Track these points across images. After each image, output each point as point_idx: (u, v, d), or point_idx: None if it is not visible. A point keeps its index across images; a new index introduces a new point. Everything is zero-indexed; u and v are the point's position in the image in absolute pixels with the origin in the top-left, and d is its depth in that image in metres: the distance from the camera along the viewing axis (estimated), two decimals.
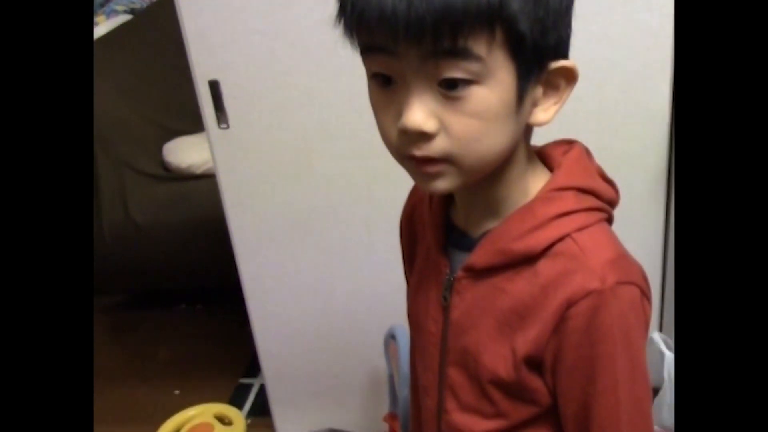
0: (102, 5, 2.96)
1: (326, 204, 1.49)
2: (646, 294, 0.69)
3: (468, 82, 0.61)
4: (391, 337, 1.43)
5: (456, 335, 0.75)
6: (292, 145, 1.44)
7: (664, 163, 1.38)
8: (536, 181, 0.71)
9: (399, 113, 0.63)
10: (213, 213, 1.62)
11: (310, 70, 1.36)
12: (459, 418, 0.77)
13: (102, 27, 2.68)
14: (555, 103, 0.67)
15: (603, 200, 0.71)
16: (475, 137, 0.63)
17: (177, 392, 2.05)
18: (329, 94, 1.38)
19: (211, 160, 1.48)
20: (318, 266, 1.57)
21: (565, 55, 0.66)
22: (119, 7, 2.94)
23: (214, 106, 1.39)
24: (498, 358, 0.71)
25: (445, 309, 0.76)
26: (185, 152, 2.25)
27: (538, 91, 0.66)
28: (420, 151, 0.63)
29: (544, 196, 0.69)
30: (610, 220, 0.73)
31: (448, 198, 0.77)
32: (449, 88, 0.61)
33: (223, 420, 1.83)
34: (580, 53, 0.69)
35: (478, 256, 0.71)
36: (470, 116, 0.62)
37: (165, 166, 2.28)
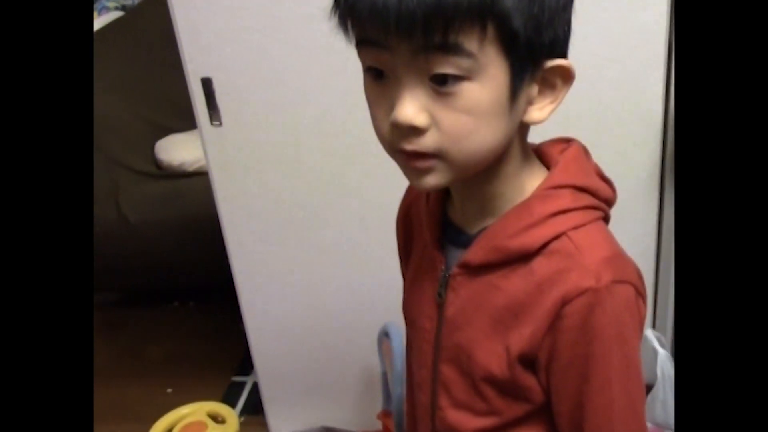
0: (94, 1, 2.95)
1: (319, 201, 1.49)
2: (641, 293, 0.69)
3: (459, 78, 0.60)
4: (384, 335, 1.43)
5: (450, 332, 0.75)
6: (285, 143, 1.43)
7: (657, 160, 1.39)
8: (533, 178, 0.71)
9: (391, 107, 0.63)
10: (205, 210, 1.62)
11: (303, 68, 1.35)
12: (452, 415, 0.77)
13: (94, 23, 2.66)
14: (551, 102, 0.66)
15: (600, 199, 0.71)
16: (466, 133, 0.63)
17: (170, 390, 2.04)
18: (322, 92, 1.37)
19: (204, 157, 1.48)
20: (311, 263, 1.57)
21: (561, 53, 0.66)
22: (111, 4, 2.93)
23: (207, 103, 1.39)
24: (492, 356, 0.71)
25: (440, 306, 0.76)
26: (177, 150, 2.25)
27: (534, 89, 0.65)
28: (411, 146, 0.63)
29: (540, 194, 0.69)
30: (606, 218, 0.73)
31: (445, 194, 0.76)
32: (440, 84, 0.61)
33: (216, 418, 1.83)
34: (572, 51, 0.68)
35: (474, 253, 0.71)
36: (461, 112, 0.62)
37: (157, 164, 2.27)
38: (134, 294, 2.53)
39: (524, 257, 0.69)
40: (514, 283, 0.69)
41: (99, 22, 2.68)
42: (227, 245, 1.55)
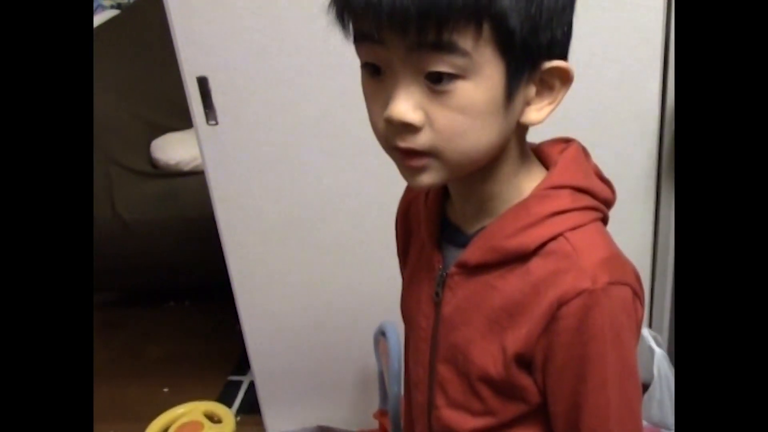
0: None
1: (315, 200, 1.49)
2: (638, 294, 0.69)
3: (454, 77, 0.60)
4: (381, 334, 1.43)
5: (446, 331, 0.75)
6: (281, 142, 1.43)
7: (654, 160, 1.39)
8: (531, 179, 0.71)
9: (387, 103, 0.63)
10: (201, 210, 1.61)
11: (300, 67, 1.35)
12: (448, 414, 0.77)
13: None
14: (549, 104, 0.66)
15: (599, 200, 0.71)
16: (460, 132, 0.62)
17: (166, 390, 2.04)
18: (318, 91, 1.37)
19: (200, 156, 1.48)
20: (307, 263, 1.57)
21: (560, 55, 0.65)
22: (106, 2, 2.92)
23: (203, 102, 1.39)
24: (488, 356, 0.71)
25: (437, 305, 0.76)
26: (173, 149, 2.24)
27: (531, 90, 0.65)
28: (405, 143, 0.63)
29: (538, 194, 0.69)
30: (605, 219, 0.73)
31: (444, 194, 0.76)
32: (435, 82, 0.61)
33: (212, 418, 1.83)
34: (569, 51, 0.68)
35: (472, 253, 0.71)
36: (455, 111, 0.61)
37: (153, 163, 2.27)
38: (130, 294, 2.52)
39: (521, 257, 0.68)
40: (511, 284, 0.69)
41: (95, 21, 2.67)
42: (224, 245, 1.55)
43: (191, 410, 1.84)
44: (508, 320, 0.69)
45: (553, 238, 0.68)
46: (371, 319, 1.46)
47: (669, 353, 1.41)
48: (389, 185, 0.83)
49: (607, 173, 0.75)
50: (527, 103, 0.66)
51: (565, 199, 0.69)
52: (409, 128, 0.62)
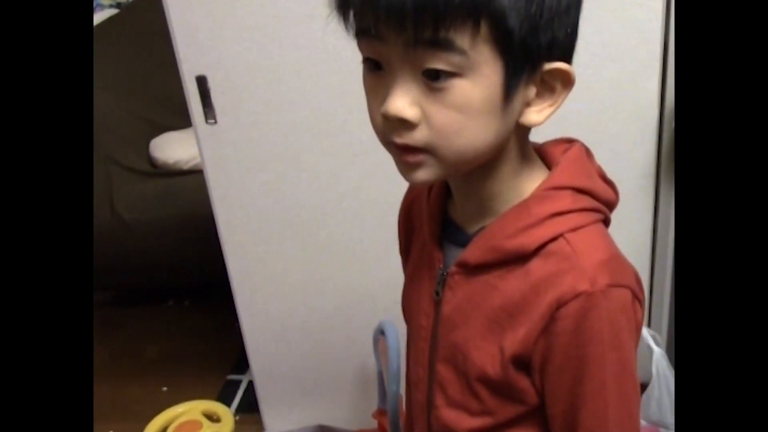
0: None
1: (315, 200, 1.49)
2: (638, 297, 0.69)
3: (451, 75, 0.60)
4: (380, 333, 1.43)
5: (446, 331, 0.75)
6: (280, 141, 1.43)
7: (653, 159, 1.39)
8: (532, 179, 0.71)
9: (385, 99, 0.63)
10: (201, 209, 1.61)
11: (299, 66, 1.35)
12: (447, 413, 0.77)
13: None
14: (549, 106, 0.66)
15: (600, 201, 0.71)
16: (456, 130, 0.62)
17: (165, 389, 2.04)
18: (317, 90, 1.37)
19: (199, 155, 1.48)
20: (306, 262, 1.57)
21: (561, 56, 0.64)
22: (105, 1, 2.92)
23: (202, 101, 1.39)
24: (486, 356, 0.71)
25: (437, 304, 0.76)
26: (172, 148, 2.24)
27: (531, 91, 0.65)
28: (401, 139, 0.63)
29: (539, 195, 0.69)
30: (606, 221, 0.72)
31: (446, 192, 0.76)
32: (432, 79, 0.61)
33: (211, 417, 1.83)
34: None
35: (472, 252, 0.71)
36: (451, 109, 0.61)
37: (152, 162, 2.27)
38: (129, 293, 2.52)
39: (521, 258, 0.68)
40: (510, 284, 0.69)
41: (94, 20, 2.67)
42: (222, 244, 1.55)
43: (190, 409, 1.84)
44: (508, 320, 0.69)
45: (553, 239, 0.67)
46: (370, 319, 1.46)
47: (667, 352, 1.41)
48: (388, 184, 0.83)
49: (607, 172, 0.75)
50: (527, 104, 0.65)
51: (566, 200, 0.69)
52: (406, 124, 0.62)
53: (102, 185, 2.13)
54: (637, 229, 1.45)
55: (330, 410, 1.75)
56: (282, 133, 1.42)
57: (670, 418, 1.37)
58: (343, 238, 1.52)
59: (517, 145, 0.69)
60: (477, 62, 0.60)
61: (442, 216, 0.77)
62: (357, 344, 1.58)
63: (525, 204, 0.69)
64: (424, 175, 0.66)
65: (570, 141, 0.74)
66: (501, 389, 0.72)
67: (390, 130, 0.64)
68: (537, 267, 0.68)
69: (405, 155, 0.65)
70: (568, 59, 0.65)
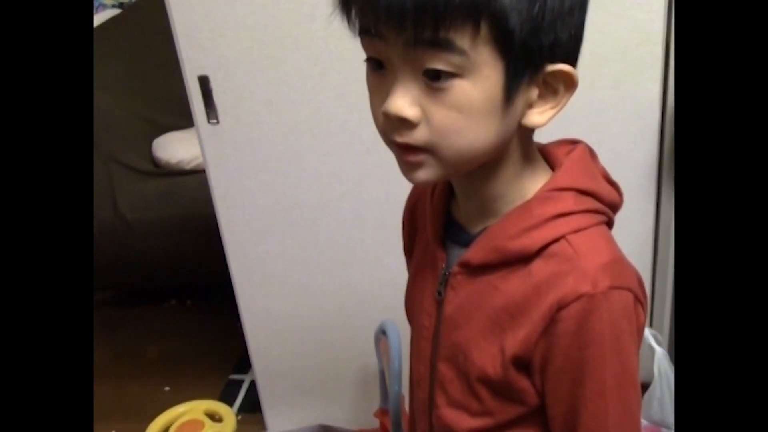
0: None
1: (316, 199, 1.49)
2: (640, 300, 0.68)
3: (451, 75, 0.60)
4: (382, 333, 1.43)
5: (448, 330, 0.75)
6: (282, 141, 1.43)
7: (654, 159, 1.39)
8: (536, 180, 0.70)
9: (387, 98, 0.63)
10: (203, 209, 1.62)
11: (300, 66, 1.35)
12: (448, 413, 0.77)
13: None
14: (552, 107, 0.65)
15: (604, 203, 0.70)
16: (455, 130, 0.62)
17: (167, 389, 2.04)
18: (319, 90, 1.37)
19: (201, 155, 1.48)
20: (308, 262, 1.57)
21: (564, 58, 0.64)
22: (108, 1, 2.92)
23: (204, 101, 1.39)
24: (487, 357, 0.71)
25: (439, 303, 0.76)
26: (175, 148, 2.24)
27: (533, 92, 0.64)
28: (401, 138, 0.64)
29: (542, 196, 0.69)
30: (610, 223, 0.72)
31: (449, 192, 0.76)
32: (433, 79, 0.61)
33: (213, 416, 1.83)
34: None
35: (474, 253, 0.71)
36: (451, 109, 0.61)
37: (154, 162, 2.27)
38: (131, 292, 2.53)
39: (523, 259, 0.68)
40: (512, 285, 0.69)
41: (96, 20, 2.67)
42: (224, 243, 1.55)
43: (192, 409, 1.84)
44: (509, 321, 0.69)
45: (555, 241, 0.67)
46: (372, 318, 1.46)
47: (669, 352, 1.41)
48: (390, 184, 0.83)
49: (608, 171, 0.75)
50: (529, 106, 0.65)
51: (568, 202, 0.68)
52: (406, 124, 0.62)
53: (104, 185, 2.14)
54: (639, 229, 1.45)
55: (332, 410, 1.75)
56: (284, 133, 1.43)
57: (671, 418, 1.37)
58: (344, 238, 1.53)
59: (520, 146, 0.69)
60: (477, 63, 0.60)
61: (445, 216, 0.77)
62: (359, 344, 1.59)
63: (527, 205, 0.69)
64: (424, 175, 0.66)
65: (574, 142, 0.74)
66: (501, 390, 0.72)
67: (391, 129, 0.64)
68: (539, 268, 0.67)
69: (406, 155, 0.65)
70: (571, 61, 0.65)
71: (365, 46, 0.64)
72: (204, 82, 1.37)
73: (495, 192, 0.70)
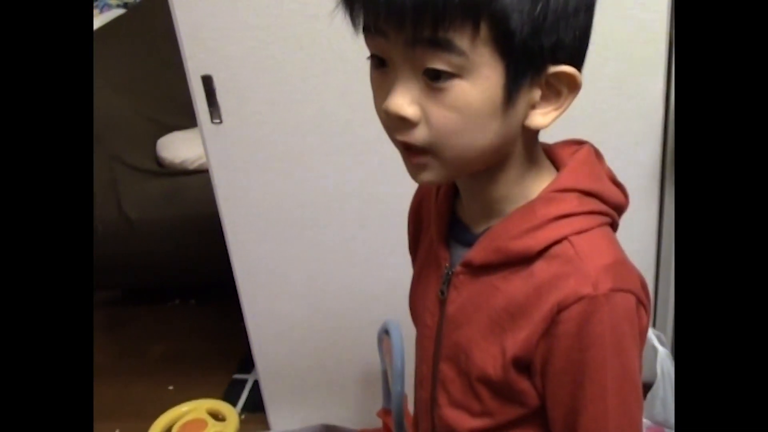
0: None
1: (319, 199, 1.49)
2: (643, 303, 0.68)
3: (451, 75, 0.60)
4: (384, 333, 1.43)
5: (450, 330, 0.75)
6: (285, 141, 1.44)
7: (658, 159, 1.38)
8: (540, 181, 0.70)
9: (388, 95, 0.63)
10: (207, 208, 1.62)
11: (304, 66, 1.35)
12: (449, 412, 0.76)
13: (95, 21, 2.67)
14: (555, 109, 0.65)
15: (609, 204, 0.70)
16: (454, 130, 0.62)
17: (171, 388, 2.04)
18: (322, 90, 1.37)
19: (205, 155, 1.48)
20: (311, 262, 1.57)
21: (568, 59, 0.63)
22: (113, 1, 2.93)
23: (207, 101, 1.39)
24: (487, 357, 0.71)
25: (442, 303, 0.75)
26: (179, 147, 2.25)
27: (536, 93, 0.64)
28: (402, 137, 0.64)
29: (545, 197, 0.68)
30: (614, 225, 0.71)
31: (454, 191, 0.76)
32: (433, 79, 0.60)
33: (216, 416, 1.83)
34: None
35: (477, 253, 0.71)
36: (450, 109, 0.61)
37: (159, 162, 2.28)
38: (136, 292, 2.53)
39: (525, 260, 0.68)
40: (514, 285, 0.69)
41: (101, 20, 2.68)
42: (228, 243, 1.56)
43: (195, 408, 1.84)
44: (510, 322, 0.69)
45: (558, 242, 0.67)
46: (375, 318, 1.46)
47: (672, 352, 1.40)
48: (393, 184, 0.83)
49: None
50: (532, 107, 0.64)
51: (572, 203, 0.68)
52: (406, 122, 0.62)
53: (109, 185, 2.14)
54: (642, 229, 1.45)
55: (335, 409, 1.75)
56: (287, 132, 1.43)
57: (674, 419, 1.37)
58: (347, 238, 1.53)
59: (524, 146, 0.69)
60: (477, 63, 0.60)
61: (450, 215, 0.77)
62: (362, 344, 1.58)
63: (531, 206, 0.69)
64: (429, 176, 0.66)
65: (580, 143, 0.73)
66: (502, 390, 0.71)
67: (392, 127, 0.64)
68: (540, 269, 0.67)
69: (410, 157, 0.65)
70: (576, 62, 0.64)
71: (368, 43, 0.64)
72: (207, 81, 1.37)
73: (499, 192, 0.70)
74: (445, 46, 0.59)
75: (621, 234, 0.72)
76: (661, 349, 1.38)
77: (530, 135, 0.69)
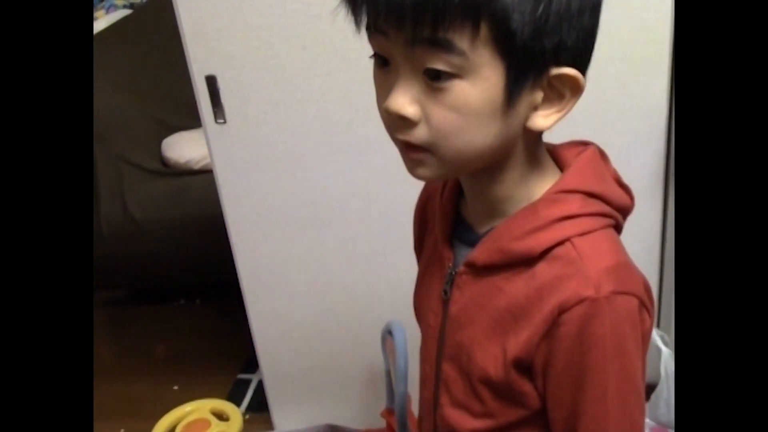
0: (101, 0, 2.96)
1: (323, 199, 1.49)
2: (645, 305, 0.68)
3: (451, 75, 0.60)
4: (388, 333, 1.43)
5: (453, 330, 0.75)
6: (289, 141, 1.44)
7: (662, 159, 1.38)
8: (543, 182, 0.70)
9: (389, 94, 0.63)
10: (211, 208, 1.62)
11: (307, 66, 1.36)
12: (451, 413, 0.76)
13: (101, 21, 2.68)
14: (557, 111, 0.64)
15: (613, 206, 0.70)
16: (453, 131, 0.62)
17: (175, 387, 2.05)
18: (326, 90, 1.38)
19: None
20: (315, 261, 1.57)
21: (571, 61, 0.62)
22: (119, 2, 2.94)
23: (211, 101, 1.39)
24: (489, 358, 0.70)
25: (445, 303, 0.75)
26: (183, 147, 2.25)
27: (538, 95, 0.63)
28: (402, 136, 0.64)
29: (549, 198, 0.68)
30: (618, 227, 0.71)
31: (459, 191, 0.76)
32: (433, 79, 0.60)
33: (220, 416, 1.83)
34: None
35: (479, 253, 0.71)
36: (450, 109, 0.61)
37: (164, 162, 2.28)
38: (140, 292, 2.54)
39: (528, 261, 0.68)
40: (516, 286, 0.68)
41: (106, 20, 2.69)
42: (232, 243, 1.56)
43: (199, 408, 1.84)
44: (511, 323, 0.69)
45: (560, 243, 0.66)
46: (379, 318, 1.46)
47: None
48: (397, 184, 0.83)
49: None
50: (534, 108, 0.64)
51: (575, 204, 0.68)
52: (406, 122, 0.63)
53: (114, 184, 2.14)
54: (646, 230, 1.45)
55: (339, 409, 1.75)
56: (290, 132, 1.43)
57: None
58: (351, 238, 1.53)
59: (526, 147, 0.68)
60: (477, 64, 0.59)
61: (454, 215, 0.77)
62: (365, 344, 1.58)
63: (534, 206, 0.69)
64: (425, 172, 0.66)
65: (585, 144, 0.73)
66: (503, 391, 0.71)
67: (392, 126, 0.64)
68: (543, 271, 0.67)
69: (408, 152, 0.65)
70: (580, 64, 0.64)
71: (371, 42, 0.65)
72: (211, 81, 1.38)
73: (502, 193, 0.70)
74: (445, 47, 0.58)
75: (624, 235, 0.72)
76: (664, 349, 1.38)
77: (532, 136, 0.68)
